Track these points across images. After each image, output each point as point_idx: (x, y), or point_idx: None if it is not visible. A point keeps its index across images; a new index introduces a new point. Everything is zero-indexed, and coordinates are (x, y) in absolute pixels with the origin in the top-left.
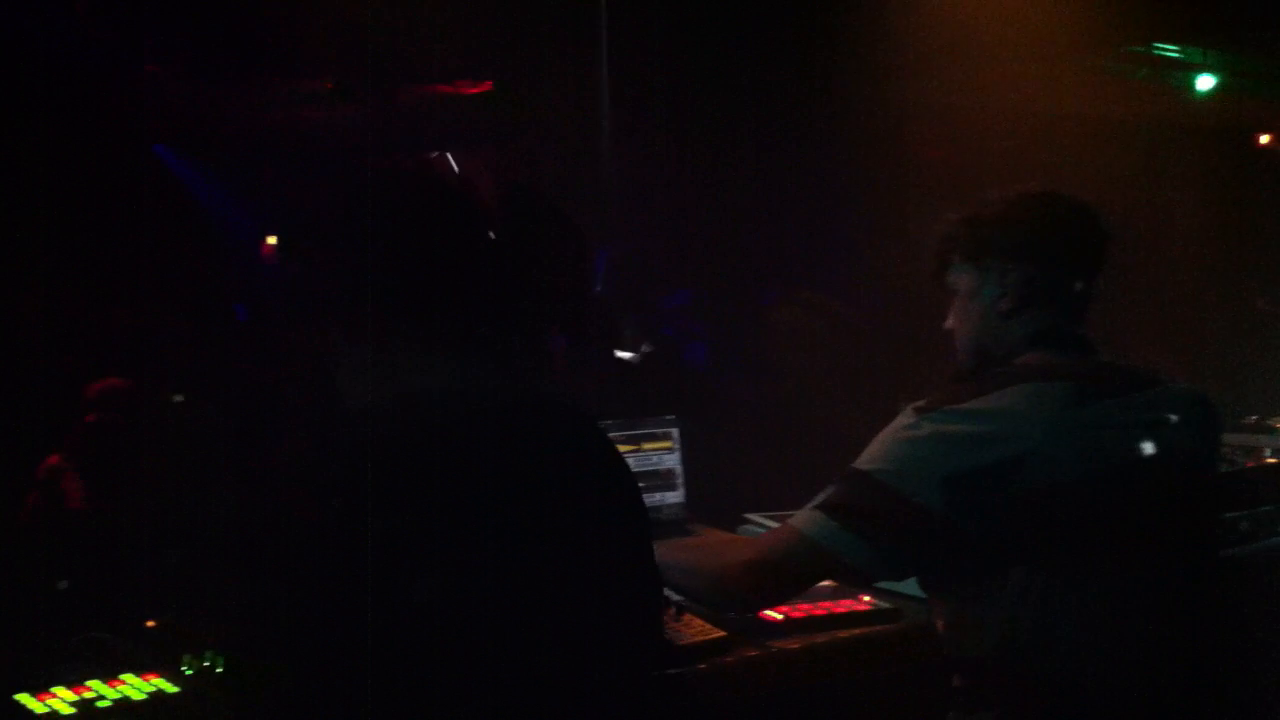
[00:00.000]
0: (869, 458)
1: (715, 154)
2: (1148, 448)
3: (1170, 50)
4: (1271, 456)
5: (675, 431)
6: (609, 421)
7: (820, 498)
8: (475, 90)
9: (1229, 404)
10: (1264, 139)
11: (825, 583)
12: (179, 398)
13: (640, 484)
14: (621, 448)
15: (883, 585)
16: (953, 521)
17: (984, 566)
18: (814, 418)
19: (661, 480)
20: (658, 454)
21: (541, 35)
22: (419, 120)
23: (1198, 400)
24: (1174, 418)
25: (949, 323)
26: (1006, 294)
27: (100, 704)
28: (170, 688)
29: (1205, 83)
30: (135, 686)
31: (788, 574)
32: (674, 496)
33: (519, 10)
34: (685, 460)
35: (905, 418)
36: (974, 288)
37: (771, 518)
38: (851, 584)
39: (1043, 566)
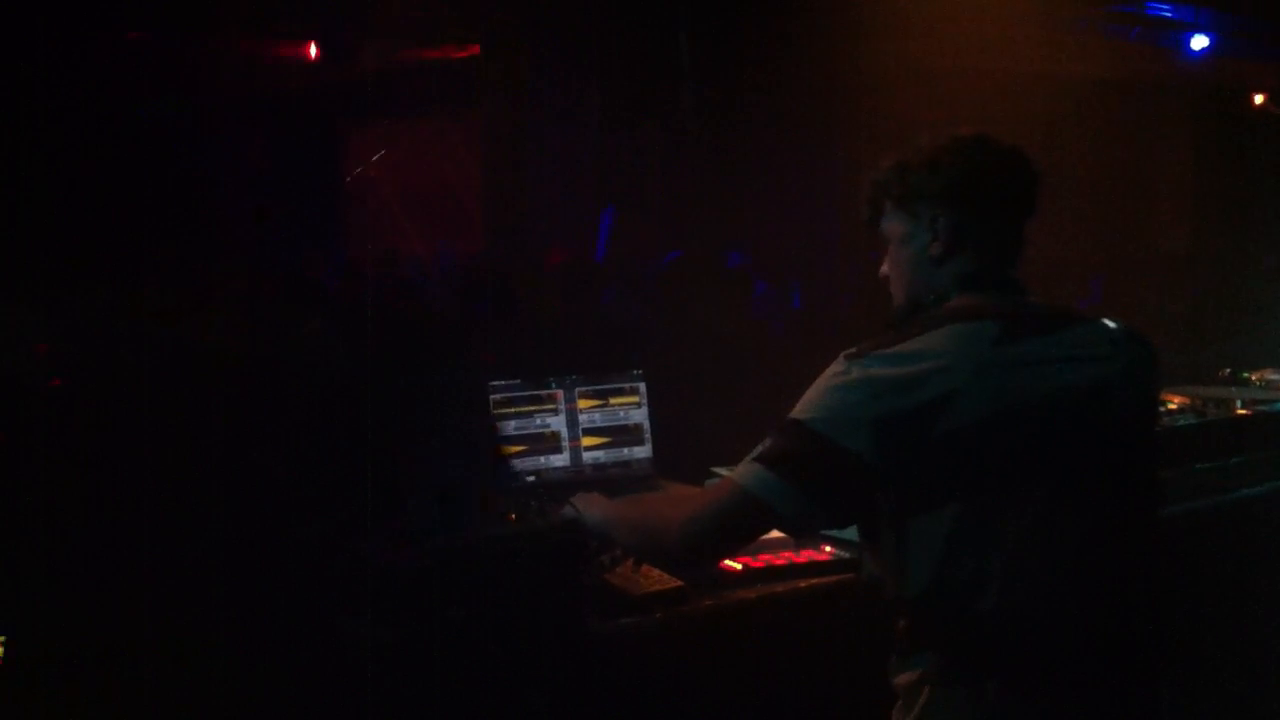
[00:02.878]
0: (802, 406)
1: (696, 113)
2: (1071, 383)
3: (1163, 9)
4: (1243, 408)
5: (642, 386)
6: (575, 376)
7: (757, 449)
8: (461, 55)
9: (1211, 359)
10: (1259, 99)
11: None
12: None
13: (608, 439)
14: (588, 402)
15: (844, 536)
16: (884, 464)
17: (916, 507)
18: (782, 370)
19: (629, 435)
20: (625, 409)
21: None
22: (404, 84)
23: (1124, 335)
24: (1099, 352)
25: (883, 270)
26: (937, 239)
27: None
28: None
29: (1199, 42)
30: None
31: (726, 529)
32: (641, 451)
33: None
34: (653, 415)
35: (836, 365)
36: (906, 234)
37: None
38: (792, 535)
39: (973, 504)
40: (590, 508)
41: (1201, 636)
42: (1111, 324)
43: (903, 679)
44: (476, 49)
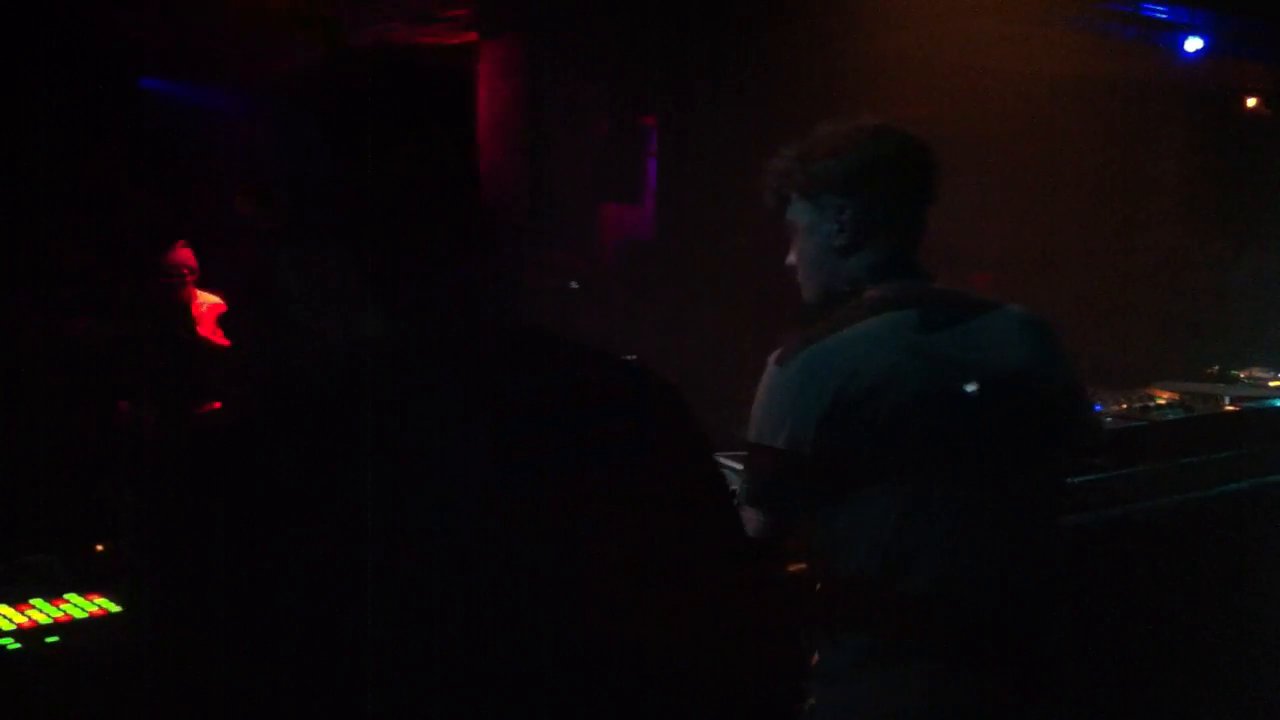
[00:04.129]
0: (752, 426)
1: (692, 103)
2: (988, 368)
3: (1158, 10)
4: (1230, 404)
5: None
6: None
7: (739, 488)
8: (457, 40)
9: (1196, 356)
10: (1251, 102)
11: None
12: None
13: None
14: None
15: None
16: (822, 454)
17: (852, 491)
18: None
19: None
20: None
21: None
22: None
23: (1032, 322)
24: (1010, 339)
25: (790, 259)
26: (843, 229)
27: (43, 620)
28: (114, 607)
29: (1193, 44)
30: (78, 605)
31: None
32: None
33: None
34: None
35: (767, 374)
36: (811, 223)
37: (732, 458)
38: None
39: (905, 487)
40: None
41: (1195, 630)
42: (1018, 310)
43: (828, 661)
44: (474, 36)
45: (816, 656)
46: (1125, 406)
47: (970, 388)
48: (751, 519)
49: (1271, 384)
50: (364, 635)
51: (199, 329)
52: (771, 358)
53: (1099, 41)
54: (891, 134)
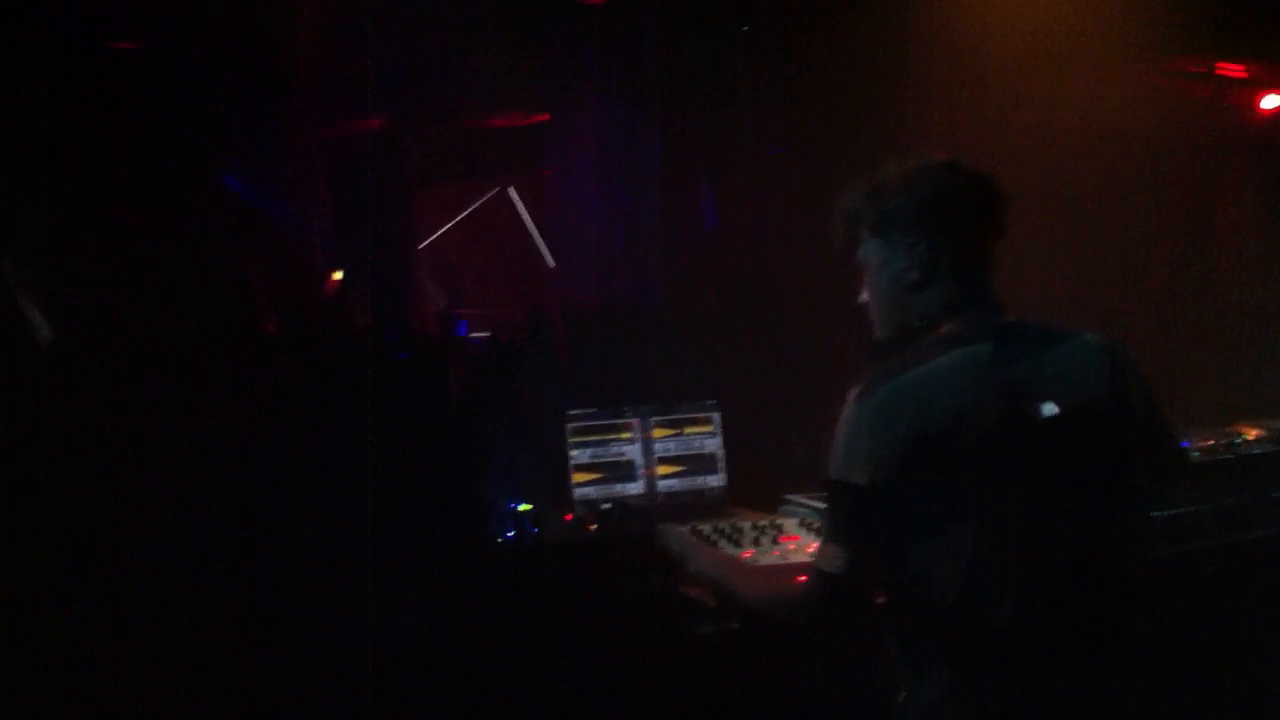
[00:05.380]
0: (833, 462)
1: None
2: (1063, 398)
3: (1234, 68)
4: None
5: (716, 416)
6: (651, 405)
7: (822, 523)
8: (529, 121)
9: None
10: None
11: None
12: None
13: (682, 467)
14: (663, 431)
15: None
16: (902, 489)
17: (929, 525)
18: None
19: (703, 463)
20: (699, 438)
21: (593, 65)
22: (476, 151)
23: (1108, 348)
24: (1087, 367)
25: (862, 296)
26: (914, 265)
27: None
28: None
29: (1270, 102)
30: None
31: (822, 611)
32: (715, 479)
33: (570, 39)
34: (727, 443)
35: (850, 409)
36: (882, 261)
37: (812, 498)
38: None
39: (979, 520)
40: (693, 558)
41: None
42: (1092, 337)
43: (916, 696)
44: (547, 116)
45: (903, 694)
46: (1213, 443)
47: (1046, 419)
48: (834, 554)
49: None
50: None
51: None
52: (851, 395)
53: (1175, 99)
54: (960, 168)
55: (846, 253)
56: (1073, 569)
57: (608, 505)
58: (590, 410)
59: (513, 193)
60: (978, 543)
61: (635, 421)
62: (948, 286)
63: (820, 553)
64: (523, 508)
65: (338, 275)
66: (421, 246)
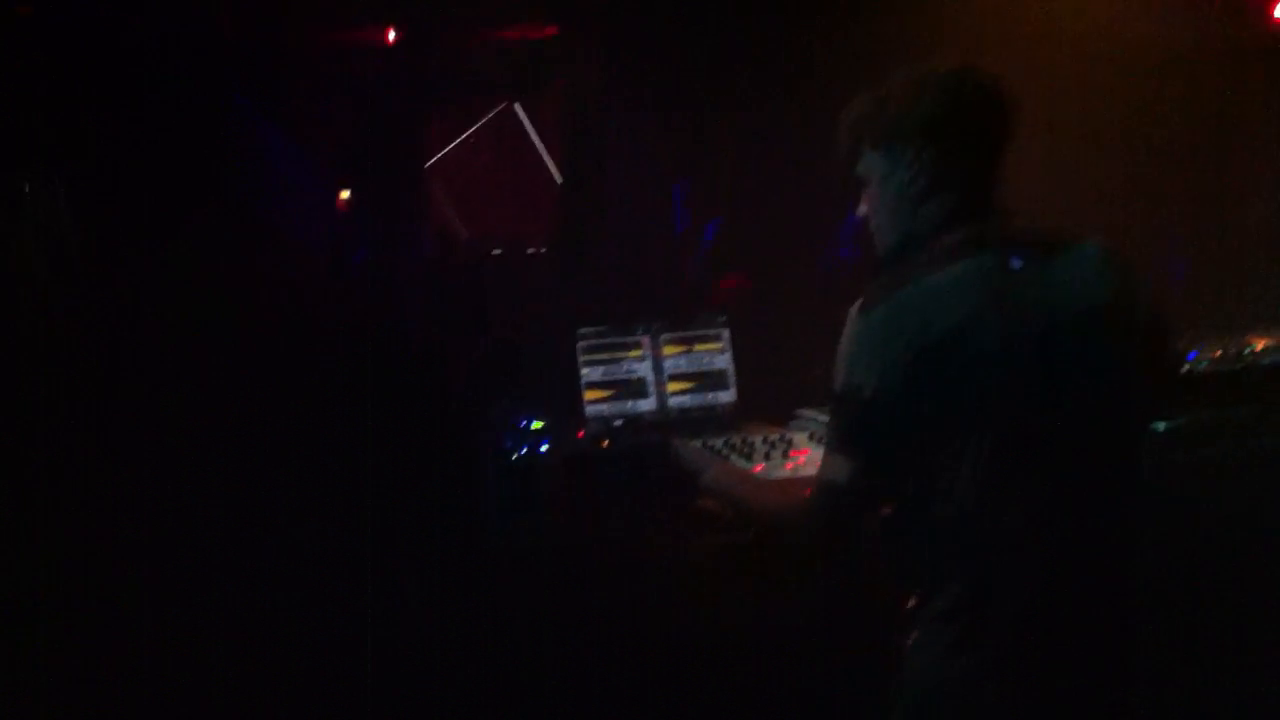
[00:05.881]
0: (836, 375)
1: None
2: (1069, 308)
3: None
4: None
5: (726, 332)
6: (661, 322)
7: (826, 435)
8: (539, 35)
9: None
10: None
11: None
12: None
13: (693, 384)
14: (673, 348)
15: None
16: (908, 400)
17: (937, 437)
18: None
19: (714, 380)
20: (709, 354)
21: None
22: (484, 66)
23: (1113, 257)
24: (1092, 276)
25: (862, 210)
26: (919, 175)
27: None
28: None
29: None
30: None
31: (831, 523)
32: (726, 396)
33: None
34: (736, 359)
35: (850, 322)
36: (886, 172)
37: (822, 412)
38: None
39: (988, 430)
40: (705, 470)
41: None
42: (1098, 245)
43: (928, 604)
44: (555, 29)
45: (913, 600)
46: (1221, 353)
47: (1051, 327)
48: (839, 465)
49: None
50: None
51: None
52: (854, 307)
53: (1186, 7)
54: (967, 76)
55: (848, 165)
56: (1081, 476)
57: (619, 422)
58: (601, 328)
59: (519, 109)
60: (988, 452)
61: (646, 339)
62: (952, 195)
63: (824, 463)
64: (535, 425)
65: (345, 195)
66: (429, 164)
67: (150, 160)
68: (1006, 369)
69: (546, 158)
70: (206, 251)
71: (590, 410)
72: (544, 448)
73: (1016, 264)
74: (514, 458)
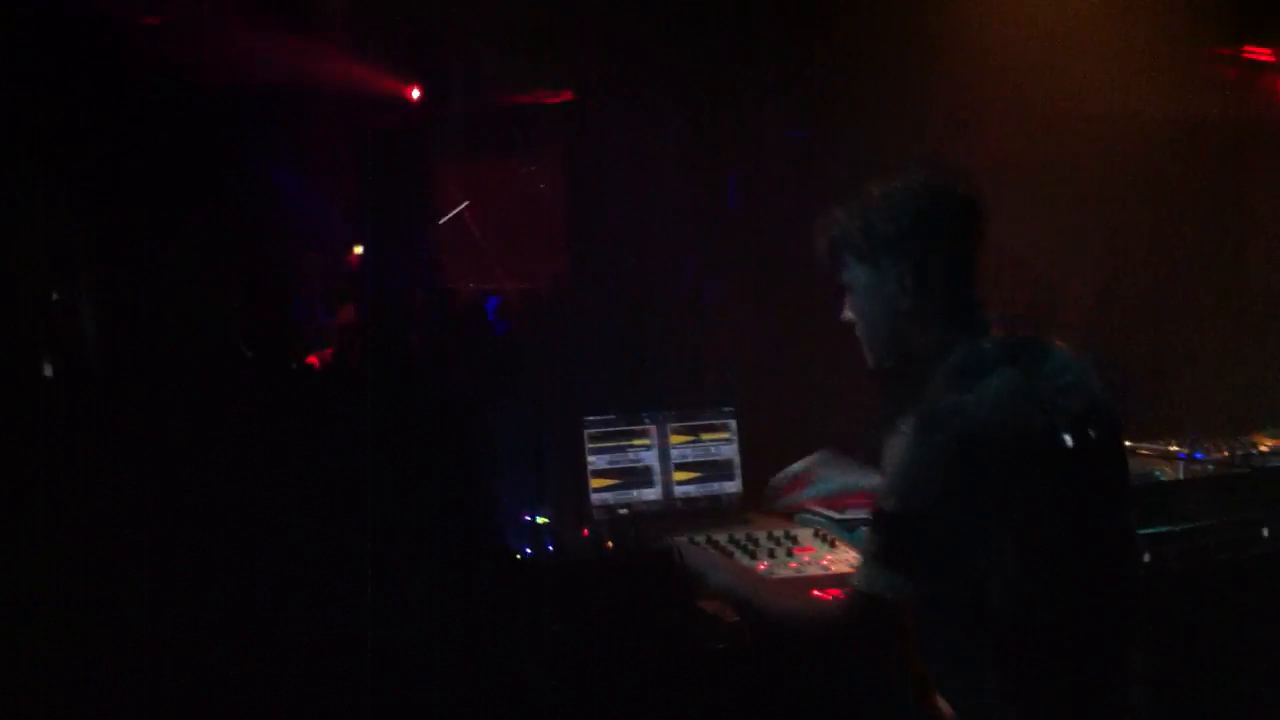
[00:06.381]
0: (891, 491)
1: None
2: (1081, 410)
3: (1261, 52)
4: None
5: (733, 423)
6: (668, 411)
7: (867, 545)
8: (554, 100)
9: None
10: None
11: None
12: None
13: (699, 474)
14: (679, 438)
15: None
16: (971, 517)
17: (988, 542)
18: (869, 401)
19: (720, 470)
20: (715, 444)
21: (620, 47)
22: (500, 128)
23: (1084, 359)
24: (1082, 379)
25: (847, 315)
26: (905, 291)
27: None
28: None
29: None
30: None
31: (859, 628)
32: (732, 486)
33: (600, 21)
34: (743, 450)
35: (908, 444)
36: (871, 284)
37: (826, 506)
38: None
39: (1032, 529)
40: (713, 571)
41: None
42: (1066, 348)
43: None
44: (569, 95)
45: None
46: (1227, 454)
47: (1074, 433)
48: (883, 579)
49: None
50: None
51: None
52: (907, 426)
53: (1202, 85)
54: (941, 188)
55: (832, 273)
56: (1106, 580)
57: (624, 510)
58: (608, 416)
59: (534, 171)
60: (1032, 550)
61: (652, 428)
62: (943, 306)
63: (867, 575)
64: (540, 520)
65: (358, 250)
66: (442, 222)
67: (156, 162)
68: (1049, 476)
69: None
70: (212, 255)
71: (595, 498)
72: (550, 549)
73: (1035, 372)
74: (518, 558)
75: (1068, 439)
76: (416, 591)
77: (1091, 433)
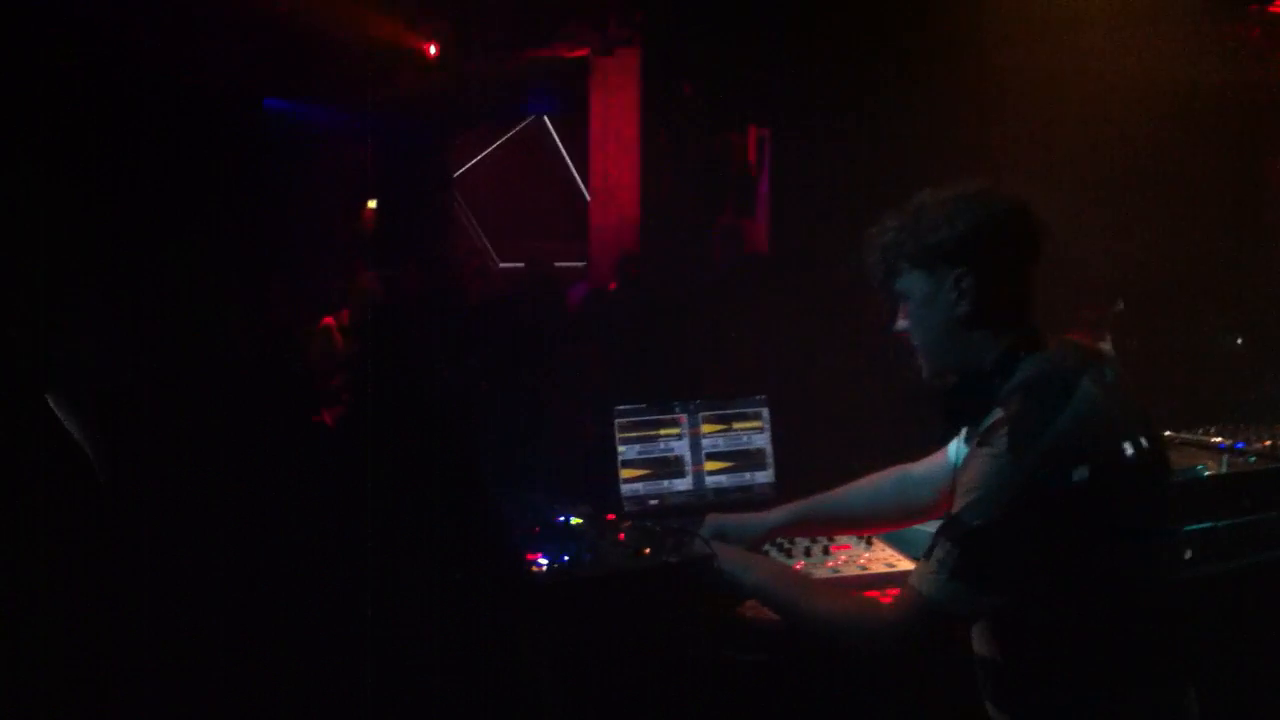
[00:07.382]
0: (977, 510)
1: (806, 116)
2: (1144, 421)
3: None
4: None
5: (765, 411)
6: (699, 400)
7: (938, 553)
8: (573, 54)
9: None
10: None
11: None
12: None
13: (731, 464)
14: (712, 427)
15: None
16: (1059, 536)
17: (1079, 556)
18: (900, 390)
19: (752, 459)
20: (748, 434)
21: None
22: (517, 85)
23: (1113, 362)
24: (1129, 391)
25: (901, 324)
26: (963, 298)
27: None
28: None
29: None
30: None
31: (915, 637)
32: (764, 476)
33: None
34: (775, 439)
35: (998, 464)
36: (928, 294)
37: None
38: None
39: (1116, 544)
40: (750, 571)
41: None
42: (1105, 350)
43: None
44: (586, 51)
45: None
46: (1269, 444)
47: (1149, 439)
48: (955, 592)
49: None
50: None
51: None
52: (999, 443)
53: (1225, 43)
54: (995, 196)
55: (883, 284)
56: (1171, 595)
57: (655, 502)
58: (639, 405)
59: (549, 125)
60: (1117, 563)
61: (683, 417)
62: (1004, 320)
63: (944, 586)
64: (574, 521)
65: (371, 204)
66: (458, 174)
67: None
68: (1135, 490)
69: (576, 175)
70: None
71: (625, 490)
72: (587, 558)
73: (1104, 385)
74: (554, 566)
75: (1137, 452)
76: (417, 599)
77: (1149, 443)
